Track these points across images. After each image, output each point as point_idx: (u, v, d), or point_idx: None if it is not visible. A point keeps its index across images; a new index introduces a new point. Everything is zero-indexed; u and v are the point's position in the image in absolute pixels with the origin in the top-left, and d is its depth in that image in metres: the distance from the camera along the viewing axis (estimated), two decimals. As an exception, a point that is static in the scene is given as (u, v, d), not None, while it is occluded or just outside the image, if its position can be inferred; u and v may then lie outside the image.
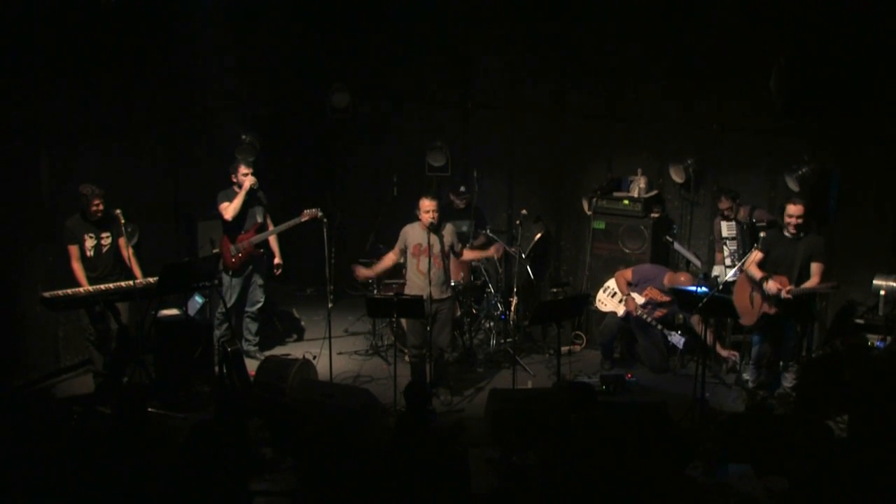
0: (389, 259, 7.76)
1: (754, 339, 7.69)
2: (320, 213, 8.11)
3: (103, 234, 7.58)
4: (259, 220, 8.36)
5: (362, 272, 7.95)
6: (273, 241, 8.50)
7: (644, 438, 5.32)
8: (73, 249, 7.49)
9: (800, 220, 7.22)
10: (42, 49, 7.53)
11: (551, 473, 5.07)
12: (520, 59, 9.60)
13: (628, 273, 8.41)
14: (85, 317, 7.56)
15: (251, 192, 8.21)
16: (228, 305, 8.21)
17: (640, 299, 8.28)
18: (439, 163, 9.68)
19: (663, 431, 5.33)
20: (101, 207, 7.45)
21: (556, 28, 9.25)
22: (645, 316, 8.21)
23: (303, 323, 9.58)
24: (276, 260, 8.51)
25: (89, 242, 7.54)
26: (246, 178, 8.21)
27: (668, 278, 8.19)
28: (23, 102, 7.55)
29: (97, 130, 8.22)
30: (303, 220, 8.26)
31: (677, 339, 8.10)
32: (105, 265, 7.59)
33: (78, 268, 7.48)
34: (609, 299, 8.50)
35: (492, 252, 8.30)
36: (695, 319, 8.01)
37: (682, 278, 8.16)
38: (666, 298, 8.14)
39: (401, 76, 10.28)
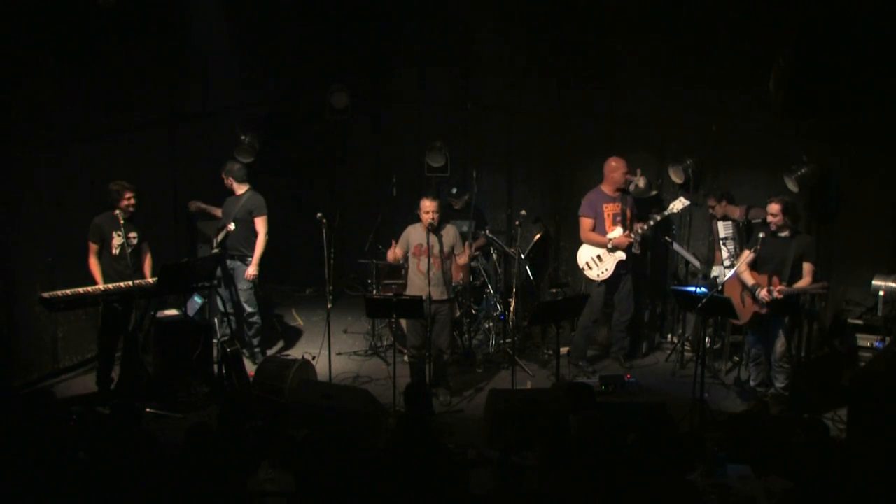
0: (392, 251, 7.65)
1: (750, 339, 7.68)
2: (233, 227, 8.17)
3: (131, 234, 7.60)
4: (231, 226, 8.24)
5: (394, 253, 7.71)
6: (258, 245, 8.28)
7: (646, 441, 5.31)
8: (93, 246, 7.52)
9: (777, 218, 7.22)
10: (41, 48, 7.52)
11: (551, 474, 5.07)
12: (520, 59, 9.59)
13: (585, 223, 8.30)
14: (98, 317, 7.58)
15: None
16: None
17: (616, 231, 8.22)
18: (438, 163, 9.66)
19: (666, 435, 5.32)
20: (133, 202, 7.44)
21: (556, 28, 9.25)
22: (639, 233, 8.19)
23: (302, 323, 9.57)
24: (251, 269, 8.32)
25: (116, 240, 7.56)
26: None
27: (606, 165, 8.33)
28: (22, 102, 7.54)
29: (96, 130, 8.22)
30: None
31: (682, 202, 8.12)
32: (127, 265, 7.58)
33: (94, 264, 7.51)
34: (601, 262, 8.25)
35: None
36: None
37: (613, 163, 8.28)
38: (618, 206, 8.23)
39: (401, 76, 10.28)
